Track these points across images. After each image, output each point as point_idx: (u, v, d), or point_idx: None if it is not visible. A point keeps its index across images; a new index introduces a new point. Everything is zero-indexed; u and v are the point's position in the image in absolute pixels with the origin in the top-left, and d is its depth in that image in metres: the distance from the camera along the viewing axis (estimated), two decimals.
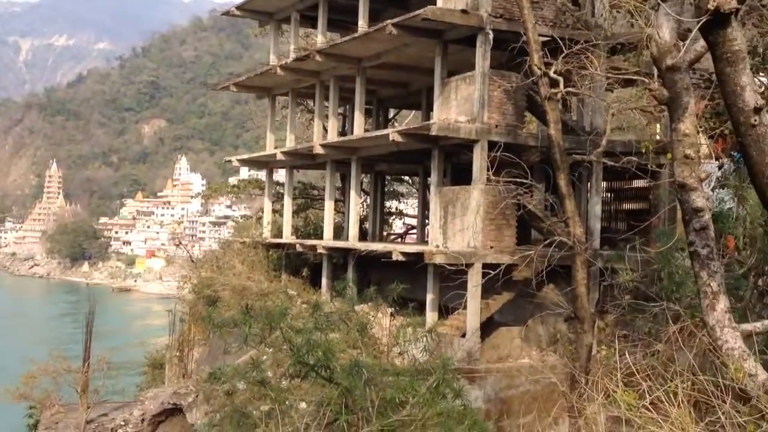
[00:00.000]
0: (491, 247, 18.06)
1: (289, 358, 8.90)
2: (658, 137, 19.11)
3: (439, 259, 17.74)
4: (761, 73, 19.26)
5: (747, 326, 7.57)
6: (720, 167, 19.07)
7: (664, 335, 10.45)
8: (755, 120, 6.22)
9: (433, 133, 18.11)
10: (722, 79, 6.32)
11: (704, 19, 6.10)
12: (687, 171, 7.58)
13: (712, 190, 18.84)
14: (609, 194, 24.15)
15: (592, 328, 15.91)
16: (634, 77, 13.67)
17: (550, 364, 16.03)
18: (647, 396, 6.32)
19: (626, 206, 23.80)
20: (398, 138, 18.86)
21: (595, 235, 19.44)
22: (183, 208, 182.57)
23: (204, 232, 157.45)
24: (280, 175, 32.14)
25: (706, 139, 19.57)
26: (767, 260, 11.94)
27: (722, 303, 7.23)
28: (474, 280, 17.63)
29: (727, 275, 11.64)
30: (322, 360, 8.44)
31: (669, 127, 8.50)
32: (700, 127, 16.61)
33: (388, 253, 19.24)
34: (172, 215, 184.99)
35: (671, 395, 6.44)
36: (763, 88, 17.97)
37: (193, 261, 30.61)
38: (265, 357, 11.52)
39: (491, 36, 18.44)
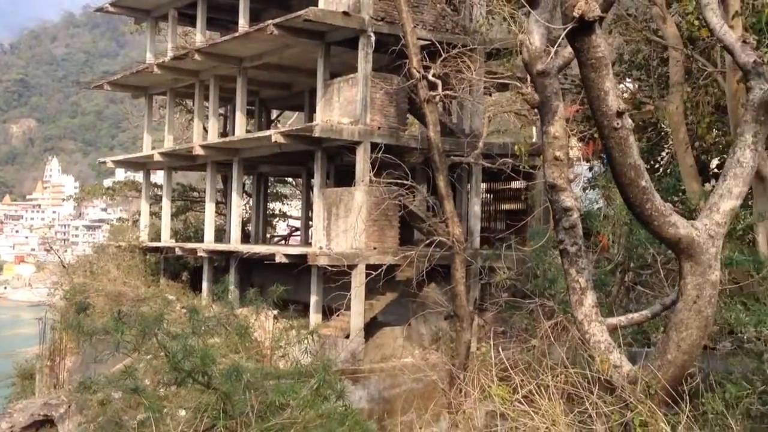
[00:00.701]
0: (374, 248, 18.20)
1: (166, 365, 8.66)
2: (533, 140, 19.80)
3: (322, 261, 17.72)
4: (628, 80, 20.32)
5: (613, 320, 7.94)
6: (590, 169, 19.97)
7: (539, 331, 10.81)
8: (618, 123, 6.53)
9: (316, 135, 18.08)
10: (587, 84, 6.60)
11: (570, 27, 6.35)
12: (557, 172, 7.87)
13: (584, 190, 19.73)
14: (488, 195, 24.81)
15: (470, 325, 16.31)
16: (509, 81, 14.11)
17: (431, 363, 16.30)
18: (520, 390, 6.53)
19: (505, 207, 24.52)
20: (281, 139, 18.72)
21: (475, 234, 19.94)
22: (54, 212, 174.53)
23: (77, 236, 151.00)
24: (159, 176, 31.25)
25: (576, 142, 20.43)
26: (632, 257, 12.57)
27: (590, 298, 7.55)
28: (357, 281, 17.71)
29: (595, 271, 12.20)
30: (199, 366, 8.26)
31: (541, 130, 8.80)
32: (572, 130, 17.33)
33: (271, 256, 19.06)
34: (43, 219, 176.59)
35: (542, 388, 6.68)
36: (628, 94, 18.96)
37: (65, 266, 29.28)
38: (141, 364, 11.16)
39: (373, 38, 18.59)
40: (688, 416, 6.67)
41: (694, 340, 6.93)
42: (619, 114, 6.52)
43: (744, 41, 7.00)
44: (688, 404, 6.72)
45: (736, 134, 7.12)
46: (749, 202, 14.70)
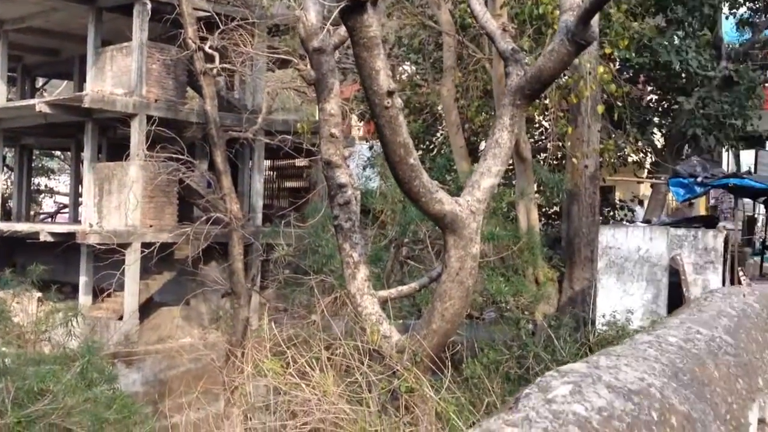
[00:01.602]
0: (151, 226, 17.52)
1: None
2: (317, 118, 19.94)
3: (93, 239, 16.79)
4: (406, 63, 21.06)
5: (384, 293, 8.22)
6: (370, 148, 20.52)
7: (318, 306, 10.98)
8: (388, 102, 6.70)
9: (86, 106, 17.03)
10: (359, 63, 6.71)
11: (343, 5, 6.42)
12: (332, 149, 7.98)
13: (364, 169, 20.25)
14: (272, 172, 24.72)
15: (248, 302, 16.23)
16: (290, 58, 14.10)
17: (210, 342, 16.04)
18: (293, 364, 6.58)
19: (288, 184, 24.59)
20: (46, 109, 17.43)
21: (257, 211, 19.81)
22: None
23: None
24: None
25: (357, 120, 20.87)
26: (406, 233, 13.09)
27: (362, 272, 7.76)
28: (131, 259, 16.97)
29: (372, 247, 12.59)
30: None
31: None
32: (352, 109, 17.70)
33: (35, 234, 17.76)
34: None
35: (316, 362, 6.78)
36: (406, 76, 19.66)
37: None
38: None
39: (149, 6, 17.77)
40: (450, 381, 7.06)
41: (456, 310, 7.33)
42: (390, 93, 6.70)
43: (504, 29, 7.47)
44: (450, 370, 7.12)
45: (496, 117, 7.59)
46: (513, 181, 15.85)
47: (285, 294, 15.13)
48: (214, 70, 16.06)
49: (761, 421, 2.93)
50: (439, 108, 18.12)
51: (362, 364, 6.90)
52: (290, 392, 6.17)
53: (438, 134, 20.10)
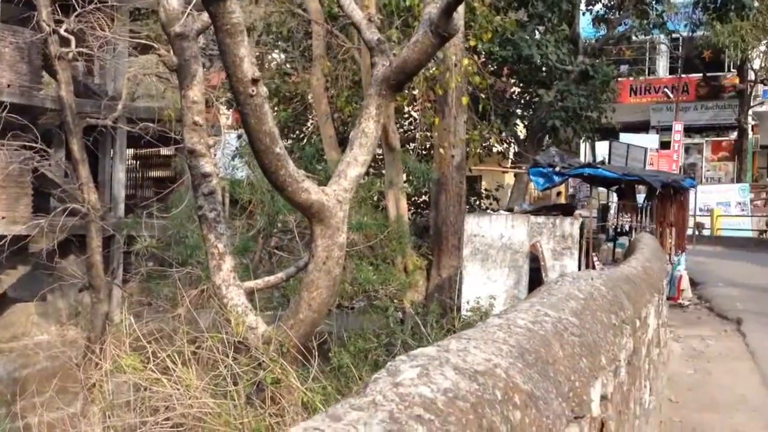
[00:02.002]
0: (3, 218, 16.54)
1: None
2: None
3: None
4: (276, 50, 20.82)
5: (250, 284, 8.13)
6: (239, 137, 20.19)
7: (184, 300, 10.72)
8: (253, 90, 6.61)
9: None
10: (223, 50, 6.57)
11: None
12: (196, 137, 7.79)
13: (232, 158, 19.88)
14: (136, 162, 23.89)
15: (108, 296, 15.64)
16: (150, 43, 13.63)
17: (69, 339, 15.34)
18: (154, 360, 6.40)
19: (154, 174, 23.83)
20: None
21: (119, 202, 19.09)
22: None
23: None
24: None
25: (227, 109, 20.47)
26: (274, 223, 12.98)
27: (228, 263, 7.63)
28: None
29: (240, 237, 12.41)
30: None
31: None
32: (218, 97, 17.33)
33: None
34: None
35: (179, 356, 6.62)
36: (275, 64, 19.43)
37: None
38: None
39: None
40: (317, 370, 7.07)
41: (323, 299, 7.35)
42: (255, 81, 6.60)
43: (369, 19, 7.51)
44: (317, 359, 7.13)
45: (362, 106, 7.64)
46: (382, 171, 16.02)
47: (149, 287, 14.68)
48: (70, 55, 15.30)
49: (603, 397, 3.08)
50: (309, 97, 18.06)
51: (228, 356, 6.80)
52: (151, 388, 5.99)
53: (308, 123, 20.02)
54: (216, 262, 7.60)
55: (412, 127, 20.54)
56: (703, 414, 8.14)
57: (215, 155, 10.28)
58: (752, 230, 30.81)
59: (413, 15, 12.59)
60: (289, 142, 19.61)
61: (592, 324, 3.26)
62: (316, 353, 7.14)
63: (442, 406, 1.69)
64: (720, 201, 31.74)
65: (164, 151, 21.87)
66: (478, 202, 22.77)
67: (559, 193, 26.29)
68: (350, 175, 7.37)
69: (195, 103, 7.87)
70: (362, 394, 1.75)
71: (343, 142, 17.92)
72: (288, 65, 19.00)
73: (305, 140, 18.99)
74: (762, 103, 38.73)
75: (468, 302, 12.81)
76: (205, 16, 7.93)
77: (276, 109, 18.89)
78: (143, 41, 14.41)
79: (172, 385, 5.95)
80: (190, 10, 7.24)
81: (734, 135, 38.58)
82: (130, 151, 22.32)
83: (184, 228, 12.60)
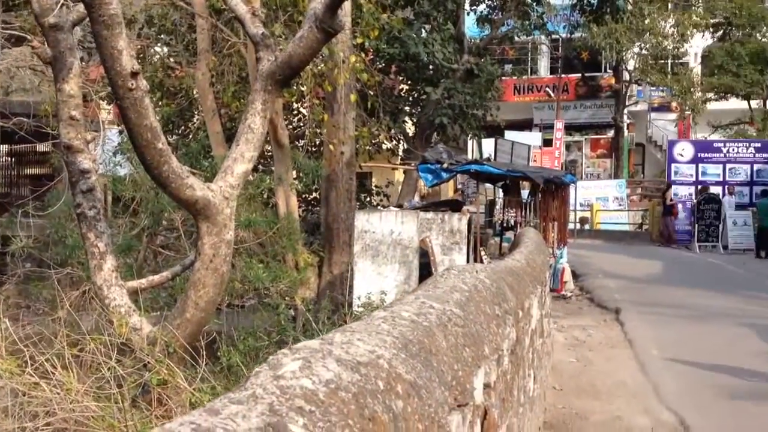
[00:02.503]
0: None
1: None
2: None
3: None
4: (158, 44, 20.24)
5: (133, 283, 7.89)
6: (120, 132, 19.52)
7: (65, 301, 10.30)
8: (132, 84, 6.40)
9: None
10: (100, 43, 6.33)
11: None
12: (73, 132, 7.50)
13: (114, 154, 19.21)
14: (10, 158, 22.79)
15: None
16: (23, 34, 12.99)
17: None
18: (31, 363, 6.11)
19: (30, 171, 22.79)
20: None
21: None
22: None
23: None
24: None
25: (107, 104, 19.76)
26: (160, 221, 12.65)
27: (109, 262, 7.38)
28: None
29: (123, 236, 12.01)
30: None
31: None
32: (97, 91, 16.69)
33: None
34: None
35: (59, 359, 6.35)
36: (158, 58, 18.91)
37: None
38: None
39: None
40: (206, 370, 6.94)
41: (211, 298, 7.21)
42: (134, 74, 6.40)
43: (253, 13, 7.41)
44: (205, 359, 6.99)
45: (248, 102, 7.54)
46: (272, 168, 15.87)
47: (27, 289, 14.00)
48: None
49: (486, 386, 3.15)
50: (195, 92, 17.67)
51: (111, 359, 6.57)
52: (30, 393, 5.72)
53: (194, 119, 19.59)
54: (96, 261, 7.33)
55: (302, 124, 20.45)
56: (585, 400, 8.48)
57: (95, 151, 9.90)
58: (629, 224, 32.35)
59: (299, 10, 12.51)
60: (174, 138, 19.14)
61: (476, 315, 3.33)
62: (204, 353, 7.00)
63: (323, 397, 1.69)
64: (599, 196, 33.17)
65: (41, 147, 20.91)
66: (368, 199, 22.91)
67: (457, 191, 26.82)
68: (237, 171, 7.26)
69: (71, 97, 7.56)
70: (242, 388, 1.73)
71: (230, 138, 17.63)
72: (172, 59, 18.52)
73: (191, 136, 18.58)
74: (636, 103, 40.76)
75: (359, 298, 12.87)
76: (81, 6, 7.63)
77: (160, 104, 18.39)
78: (16, 32, 13.72)
79: (52, 390, 5.70)
80: (65, 0, 6.94)
81: (611, 133, 40.41)
82: (4, 148, 21.23)
83: (63, 227, 12.09)
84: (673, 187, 26.58)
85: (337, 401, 1.72)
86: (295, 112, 20.60)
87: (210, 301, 7.24)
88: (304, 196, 20.24)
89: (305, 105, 17.93)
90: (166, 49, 19.23)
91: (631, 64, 37.55)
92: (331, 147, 14.82)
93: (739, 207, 25.67)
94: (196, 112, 19.17)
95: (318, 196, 19.37)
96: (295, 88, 14.78)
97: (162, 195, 11.86)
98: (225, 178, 7.20)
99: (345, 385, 1.79)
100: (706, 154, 27.37)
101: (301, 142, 19.08)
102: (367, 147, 18.10)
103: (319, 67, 13.19)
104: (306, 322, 11.93)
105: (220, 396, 1.70)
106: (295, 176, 16.70)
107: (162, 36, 18.92)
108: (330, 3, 6.37)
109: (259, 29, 7.27)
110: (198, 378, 6.59)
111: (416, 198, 21.96)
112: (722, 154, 27.26)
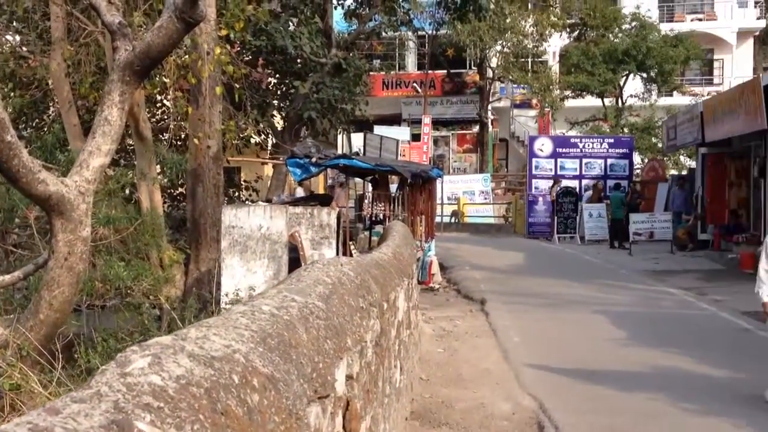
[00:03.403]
0: None
1: None
2: None
3: None
4: (10, 32, 19.11)
5: None
6: None
7: None
8: None
9: None
10: None
11: None
12: None
13: None
14: None
15: None
16: None
17: None
18: None
19: None
20: None
21: None
22: None
23: None
24: None
25: None
26: (11, 219, 11.97)
27: None
28: None
29: None
30: None
31: None
32: None
33: None
34: None
35: None
36: (9, 47, 17.85)
37: None
38: None
39: None
40: (63, 374, 6.63)
41: (66, 297, 6.88)
42: None
43: (109, 1, 7.12)
44: (62, 363, 6.68)
45: (104, 93, 7.23)
46: (135, 162, 15.32)
47: None
48: None
49: (349, 377, 3.17)
50: (50, 83, 16.80)
51: None
52: None
53: (49, 111, 18.64)
54: None
55: (165, 117, 19.86)
56: (451, 389, 8.70)
57: None
58: (494, 217, 33.43)
59: None
60: (29, 130, 18.14)
61: (339, 307, 3.34)
62: (61, 356, 6.68)
63: (173, 393, 1.66)
64: (465, 190, 34.08)
65: None
66: (237, 194, 22.55)
67: (333, 187, 26.70)
68: (93, 165, 6.96)
69: None
70: (87, 386, 1.66)
71: (88, 131, 16.89)
72: (24, 48, 17.52)
73: (46, 129, 17.66)
74: (499, 99, 42.17)
75: (227, 295, 12.65)
76: None
77: (12, 95, 17.37)
78: None
79: None
80: None
81: (477, 129, 41.65)
82: None
83: None
84: (562, 181, 27.34)
85: (188, 396, 1.69)
86: (159, 104, 19.99)
87: (65, 302, 6.90)
88: (169, 191, 19.68)
89: (169, 97, 17.41)
90: (18, 38, 18.17)
91: (494, 62, 38.78)
92: (196, 141, 14.45)
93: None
94: (51, 104, 18.25)
95: (184, 191, 18.88)
96: (157, 79, 14.31)
97: (13, 191, 11.21)
98: (80, 172, 6.89)
99: (197, 380, 1.75)
100: (564, 150, 28.69)
101: (166, 136, 18.52)
102: (235, 141, 17.77)
103: (183, 59, 12.83)
104: (171, 322, 11.62)
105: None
106: (159, 171, 16.19)
107: (14, 24, 17.87)
108: None
109: (116, 17, 7.00)
110: (54, 382, 6.28)
111: (285, 192, 21.80)
112: (579, 150, 28.64)
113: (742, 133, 18.31)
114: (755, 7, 44.81)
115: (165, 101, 19.44)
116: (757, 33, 45.31)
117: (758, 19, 44.47)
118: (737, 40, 43.08)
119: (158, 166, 16.02)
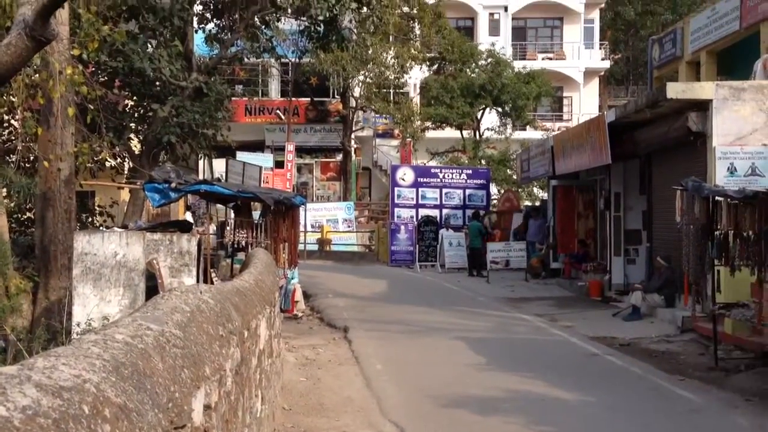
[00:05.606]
0: None
1: None
2: None
3: None
4: None
5: None
6: None
7: None
8: None
9: None
10: None
11: None
12: None
13: None
14: None
15: None
16: None
17: None
18: None
19: None
20: None
21: None
22: None
23: None
24: None
25: None
26: None
27: None
28: None
29: None
30: None
31: None
32: None
33: None
34: None
35: None
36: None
37: None
38: None
39: None
40: None
41: None
42: None
43: None
44: None
45: None
46: None
47: None
48: None
49: (207, 407, 3.11)
50: None
51: None
52: None
53: None
54: None
55: (13, 138, 18.83)
56: (313, 418, 8.65)
57: None
58: (357, 245, 33.71)
59: (8, 15, 11.54)
60: None
61: (197, 336, 3.28)
62: None
63: (19, 424, 1.61)
64: (329, 218, 34.20)
65: None
66: (90, 219, 21.63)
67: (196, 213, 25.99)
68: None
69: None
70: None
71: None
72: None
73: None
74: (362, 128, 42.81)
75: (79, 325, 12.08)
76: None
77: None
78: None
79: None
80: None
81: (340, 157, 42.03)
82: None
83: None
84: (481, 212, 27.69)
85: (35, 427, 1.64)
86: (6, 124, 18.94)
87: None
88: (16, 216, 18.63)
89: (17, 117, 16.54)
90: None
91: (357, 92, 39.36)
92: (46, 163, 13.79)
93: (454, 229, 27.80)
94: None
95: (32, 216, 17.92)
96: (4, 98, 13.58)
97: None
98: None
99: (44, 411, 1.70)
100: (425, 179, 29.42)
101: (13, 158, 17.55)
102: (89, 164, 17.08)
103: (33, 78, 12.24)
104: (18, 353, 10.98)
105: None
106: (5, 194, 15.32)
107: None
108: (41, 10, 5.96)
109: None
110: None
111: (143, 218, 21.11)
112: (439, 179, 29.45)
113: (588, 167, 19.39)
114: (600, 48, 47.97)
115: (13, 121, 18.45)
116: (602, 73, 48.53)
117: (603, 59, 47.62)
118: (584, 79, 45.88)
119: (4, 190, 15.16)
